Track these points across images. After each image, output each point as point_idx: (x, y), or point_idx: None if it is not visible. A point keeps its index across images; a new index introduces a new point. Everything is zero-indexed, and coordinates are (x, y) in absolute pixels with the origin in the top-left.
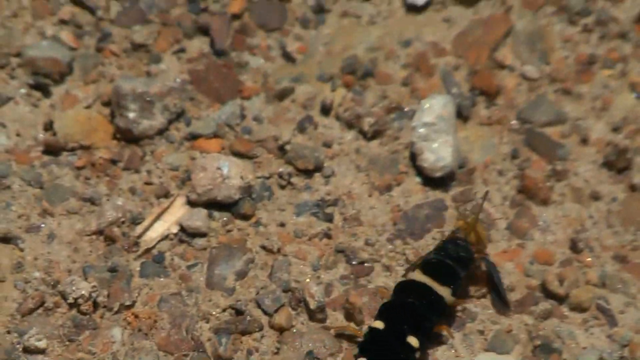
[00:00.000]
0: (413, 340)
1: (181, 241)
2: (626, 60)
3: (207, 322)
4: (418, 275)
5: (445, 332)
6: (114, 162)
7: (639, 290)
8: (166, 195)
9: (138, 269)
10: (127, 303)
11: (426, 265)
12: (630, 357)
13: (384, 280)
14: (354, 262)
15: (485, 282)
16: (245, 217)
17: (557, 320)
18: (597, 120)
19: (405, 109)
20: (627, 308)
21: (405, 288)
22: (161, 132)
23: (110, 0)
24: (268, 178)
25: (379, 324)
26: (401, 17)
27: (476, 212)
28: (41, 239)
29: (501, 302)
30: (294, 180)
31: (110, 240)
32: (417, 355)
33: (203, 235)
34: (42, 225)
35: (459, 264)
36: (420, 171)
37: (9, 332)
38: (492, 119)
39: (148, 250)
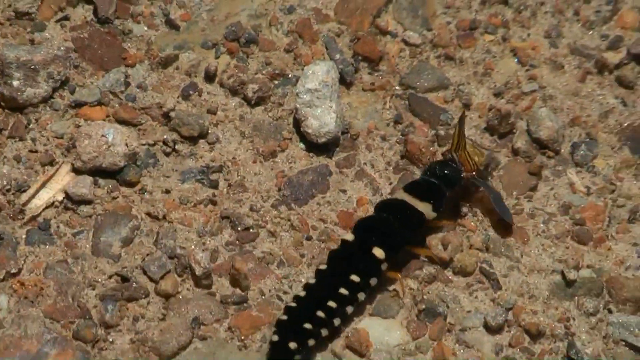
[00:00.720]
0: (378, 252)
1: (67, 209)
2: (507, 26)
3: (94, 289)
4: (399, 194)
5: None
6: None
7: (522, 253)
8: (51, 163)
9: (24, 236)
10: (13, 271)
11: (409, 184)
12: (515, 320)
13: (269, 246)
14: (239, 228)
15: (481, 203)
16: (131, 184)
17: (442, 285)
18: (480, 86)
19: (289, 76)
20: (511, 272)
21: (384, 205)
22: (45, 100)
23: None
24: (153, 145)
25: (350, 236)
26: None
27: (461, 134)
28: None
29: (503, 219)
30: (178, 147)
31: None
32: (383, 267)
33: (88, 202)
34: None
35: (442, 181)
36: (304, 137)
37: None
38: (375, 85)
39: (34, 218)
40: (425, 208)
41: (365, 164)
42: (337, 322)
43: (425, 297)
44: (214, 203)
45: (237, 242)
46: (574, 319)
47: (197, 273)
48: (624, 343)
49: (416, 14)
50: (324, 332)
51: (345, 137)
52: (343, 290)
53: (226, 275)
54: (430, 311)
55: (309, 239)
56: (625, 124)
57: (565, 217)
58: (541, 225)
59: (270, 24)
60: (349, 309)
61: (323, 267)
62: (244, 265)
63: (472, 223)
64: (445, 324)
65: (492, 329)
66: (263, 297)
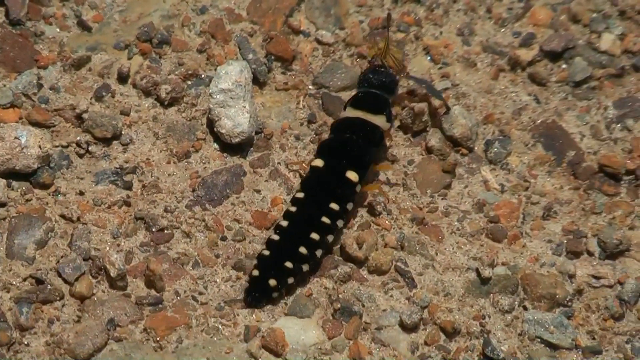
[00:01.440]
0: (352, 175)
1: None
2: (420, 24)
3: (8, 292)
4: (351, 111)
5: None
6: None
7: (437, 251)
8: None
9: None
10: None
11: (355, 100)
12: (430, 318)
13: (184, 247)
14: (153, 229)
15: (419, 97)
16: (44, 187)
17: (357, 284)
18: None
19: (202, 76)
20: (426, 270)
21: (341, 125)
22: None
23: None
24: (66, 147)
25: (319, 162)
26: None
27: (385, 36)
28: None
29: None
30: (92, 148)
31: None
32: (358, 189)
33: (2, 205)
34: None
35: (384, 89)
36: (218, 138)
37: None
38: (288, 85)
39: None
40: (380, 121)
41: (279, 163)
42: (319, 253)
43: (340, 296)
44: (128, 204)
45: (151, 243)
46: (489, 317)
47: (111, 274)
48: (539, 340)
49: (329, 13)
50: (305, 267)
51: (259, 137)
52: (325, 219)
53: (141, 277)
54: (345, 310)
55: (223, 239)
56: (539, 121)
57: (480, 214)
58: (456, 223)
59: (183, 24)
60: (330, 238)
61: (300, 195)
62: (159, 266)
63: (387, 222)
64: (361, 322)
65: (407, 328)
66: (178, 297)
